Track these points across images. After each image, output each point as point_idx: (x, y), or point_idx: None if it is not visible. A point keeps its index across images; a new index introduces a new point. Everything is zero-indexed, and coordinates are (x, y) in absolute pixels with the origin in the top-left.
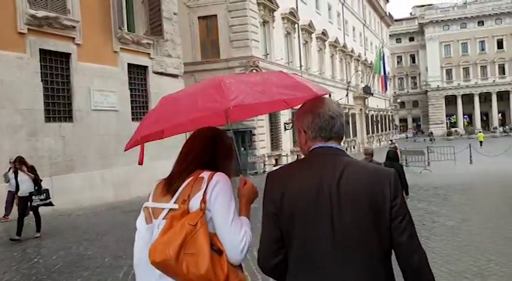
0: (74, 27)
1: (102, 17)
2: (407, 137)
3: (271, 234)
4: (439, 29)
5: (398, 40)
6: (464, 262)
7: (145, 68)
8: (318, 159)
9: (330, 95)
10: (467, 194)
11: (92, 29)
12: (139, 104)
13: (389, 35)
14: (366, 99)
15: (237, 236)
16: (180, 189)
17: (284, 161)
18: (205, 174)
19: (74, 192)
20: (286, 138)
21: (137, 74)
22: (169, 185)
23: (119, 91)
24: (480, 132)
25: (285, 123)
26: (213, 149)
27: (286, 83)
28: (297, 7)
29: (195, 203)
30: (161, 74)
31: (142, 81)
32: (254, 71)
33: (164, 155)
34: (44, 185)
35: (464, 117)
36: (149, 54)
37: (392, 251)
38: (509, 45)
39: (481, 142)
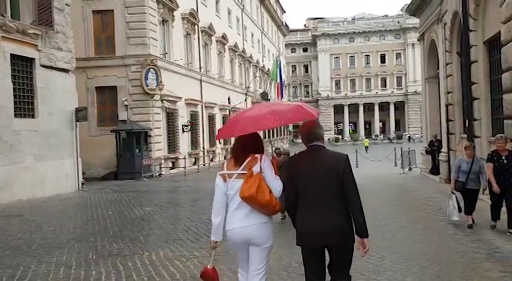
0: None
1: None
2: (293, 142)
3: (291, 190)
4: (330, 41)
5: (293, 50)
6: (359, 259)
7: (31, 60)
8: (310, 151)
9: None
10: None
11: None
12: (23, 99)
13: (285, 45)
14: None
15: (277, 184)
16: (244, 163)
17: (182, 163)
18: (257, 155)
19: None
20: (184, 140)
21: (22, 67)
22: (237, 161)
23: None
24: (366, 139)
25: (183, 125)
26: (256, 143)
27: (302, 112)
28: (197, 9)
29: (255, 169)
30: (50, 68)
31: (27, 75)
32: (151, 69)
33: (52, 156)
34: None
35: (349, 125)
36: (36, 45)
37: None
38: (391, 60)
39: (366, 148)
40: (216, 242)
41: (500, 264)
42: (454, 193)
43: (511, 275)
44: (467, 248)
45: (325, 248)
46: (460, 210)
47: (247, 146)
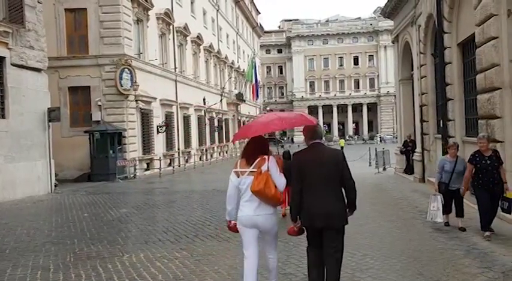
0: None
1: None
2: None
3: (297, 179)
4: (304, 43)
5: (268, 51)
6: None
7: (2, 59)
8: (313, 147)
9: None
10: None
11: None
12: None
13: (260, 46)
14: (239, 106)
15: (281, 180)
16: (254, 163)
17: (156, 165)
18: (265, 156)
19: None
20: (159, 141)
21: None
22: (248, 161)
23: None
24: (342, 139)
25: (158, 125)
26: (264, 146)
27: (303, 119)
28: (172, 8)
29: (264, 168)
30: (21, 67)
31: None
32: (126, 69)
33: (23, 157)
34: None
35: (323, 126)
36: (7, 44)
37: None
38: (363, 62)
39: (342, 148)
40: (231, 221)
41: (478, 260)
42: (437, 195)
43: (490, 271)
44: (446, 246)
45: (323, 230)
46: (443, 212)
47: (256, 149)
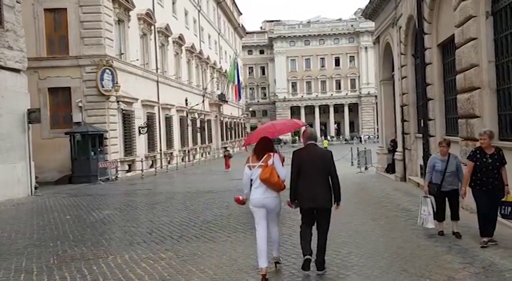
0: None
1: None
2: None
3: (295, 171)
4: (286, 44)
5: (250, 52)
6: (327, 255)
7: None
8: (308, 147)
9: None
10: None
11: None
12: None
13: (242, 47)
14: (221, 107)
15: (283, 171)
16: (263, 158)
17: (138, 166)
18: (271, 153)
19: None
20: (141, 142)
21: None
22: (258, 157)
23: None
24: (325, 140)
25: (139, 127)
26: (270, 145)
27: (293, 124)
28: (153, 9)
29: (270, 162)
30: (0, 67)
31: None
32: (107, 70)
33: (2, 159)
34: None
35: (306, 126)
36: None
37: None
38: (345, 63)
39: (325, 148)
40: (240, 198)
41: (460, 256)
42: (428, 197)
43: (471, 266)
44: (428, 242)
45: (314, 210)
46: (435, 216)
47: (264, 147)
